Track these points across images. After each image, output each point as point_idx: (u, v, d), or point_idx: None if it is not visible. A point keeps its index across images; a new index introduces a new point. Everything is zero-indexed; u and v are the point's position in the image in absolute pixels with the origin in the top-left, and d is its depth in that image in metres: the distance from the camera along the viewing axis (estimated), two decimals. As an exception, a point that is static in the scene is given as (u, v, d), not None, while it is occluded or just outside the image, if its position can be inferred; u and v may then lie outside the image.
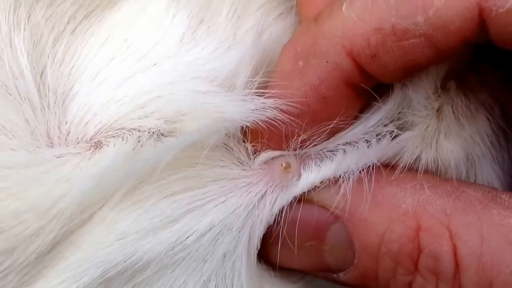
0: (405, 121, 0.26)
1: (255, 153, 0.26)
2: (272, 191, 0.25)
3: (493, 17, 0.21)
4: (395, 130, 0.26)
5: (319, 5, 0.26)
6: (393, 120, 0.26)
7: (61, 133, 0.24)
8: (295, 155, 0.26)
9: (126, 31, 0.25)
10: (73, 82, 0.24)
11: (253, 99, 0.24)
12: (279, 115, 0.24)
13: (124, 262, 0.23)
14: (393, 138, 0.26)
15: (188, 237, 0.24)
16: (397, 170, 0.26)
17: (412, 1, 0.22)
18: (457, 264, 0.23)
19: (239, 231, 0.25)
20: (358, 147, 0.26)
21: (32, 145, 0.23)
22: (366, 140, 0.26)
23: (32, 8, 0.24)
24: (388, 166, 0.26)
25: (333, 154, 0.26)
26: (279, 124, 0.25)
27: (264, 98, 0.24)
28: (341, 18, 0.23)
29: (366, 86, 0.25)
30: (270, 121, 0.25)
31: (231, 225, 0.25)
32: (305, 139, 0.25)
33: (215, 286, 0.25)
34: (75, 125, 0.24)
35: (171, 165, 0.24)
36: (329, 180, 0.26)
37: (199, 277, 0.25)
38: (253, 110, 0.24)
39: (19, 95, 0.23)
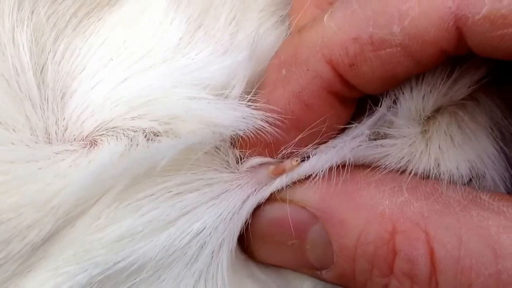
0: (388, 134, 0.27)
1: (242, 158, 0.27)
2: (256, 193, 0.26)
3: (470, 25, 0.21)
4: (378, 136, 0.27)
5: (309, 17, 0.26)
6: (374, 133, 0.27)
7: (58, 129, 0.25)
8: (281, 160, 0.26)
9: (125, 32, 0.26)
10: (71, 80, 0.25)
11: (241, 106, 0.25)
12: (266, 125, 0.25)
13: (120, 263, 0.24)
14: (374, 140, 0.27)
15: (182, 239, 0.25)
16: (377, 172, 0.26)
17: (389, 11, 0.22)
18: (433, 267, 0.24)
19: (224, 232, 0.26)
20: (336, 146, 0.26)
21: (31, 140, 0.24)
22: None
23: (35, 5, 0.25)
24: (369, 168, 0.27)
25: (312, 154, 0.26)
26: (265, 132, 0.25)
27: (252, 108, 0.25)
28: (322, 28, 0.24)
29: (351, 96, 0.25)
30: (257, 130, 0.25)
31: (218, 226, 0.26)
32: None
33: (205, 283, 0.26)
34: (73, 122, 0.25)
35: (165, 167, 0.24)
36: (309, 180, 0.26)
37: (191, 277, 0.26)
38: (243, 118, 0.25)
39: (20, 90, 0.24)
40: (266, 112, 0.25)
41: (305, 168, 0.26)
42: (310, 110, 0.25)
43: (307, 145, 0.26)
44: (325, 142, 0.26)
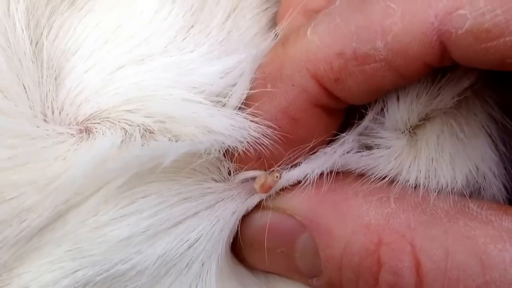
0: (376, 145, 0.26)
1: (235, 170, 0.27)
2: (247, 202, 0.27)
3: (454, 40, 0.21)
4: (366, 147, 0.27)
5: (296, 25, 0.26)
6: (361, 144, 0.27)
7: (55, 108, 0.25)
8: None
9: (121, 16, 0.26)
10: (66, 60, 0.25)
11: (238, 116, 0.25)
12: (261, 137, 0.25)
13: (117, 266, 0.24)
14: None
15: (179, 247, 0.25)
16: (366, 181, 0.26)
17: (372, 27, 0.22)
18: (420, 279, 0.23)
19: (217, 241, 0.26)
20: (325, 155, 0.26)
21: (32, 116, 0.24)
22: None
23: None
24: (358, 176, 0.26)
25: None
26: (257, 146, 0.26)
27: (250, 120, 0.25)
28: (306, 42, 0.24)
29: (338, 107, 0.25)
30: (252, 142, 0.25)
31: (212, 236, 0.26)
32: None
33: None
34: (69, 104, 0.25)
35: (164, 169, 0.24)
36: (298, 187, 0.26)
37: (185, 282, 0.26)
38: (239, 128, 0.25)
39: (18, 63, 0.24)
40: (261, 125, 0.25)
41: (295, 175, 0.26)
42: (297, 124, 0.25)
43: (297, 158, 0.26)
44: (314, 153, 0.26)
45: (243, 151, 0.26)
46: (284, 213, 0.26)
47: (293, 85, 0.25)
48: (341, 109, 0.26)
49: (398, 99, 0.26)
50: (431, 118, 0.26)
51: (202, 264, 0.26)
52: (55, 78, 0.25)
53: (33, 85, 0.25)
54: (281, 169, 0.26)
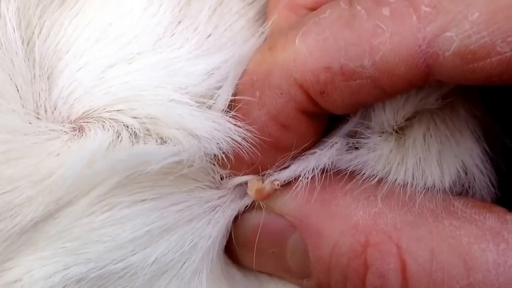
0: (362, 145, 0.27)
1: (228, 176, 0.27)
2: (238, 206, 0.27)
3: (441, 61, 0.22)
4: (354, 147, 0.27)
5: (284, 22, 0.27)
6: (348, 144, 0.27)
7: (48, 107, 0.25)
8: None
9: (111, 14, 0.26)
10: (58, 59, 0.25)
11: (223, 120, 0.25)
12: (246, 144, 0.25)
13: (111, 265, 0.24)
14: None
15: (175, 252, 0.26)
16: (355, 180, 0.26)
17: (361, 45, 0.23)
18: (406, 281, 0.24)
19: (210, 245, 0.27)
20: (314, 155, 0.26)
21: (24, 113, 0.24)
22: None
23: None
24: (346, 176, 0.27)
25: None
26: (246, 152, 0.26)
27: (233, 124, 0.26)
28: (294, 51, 0.24)
29: (324, 113, 0.26)
30: (239, 148, 0.26)
31: (206, 240, 0.26)
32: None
33: None
34: (62, 103, 0.25)
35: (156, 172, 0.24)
36: (288, 187, 0.26)
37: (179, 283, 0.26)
38: (224, 132, 0.25)
39: (9, 61, 0.24)
40: (244, 129, 0.25)
41: (285, 175, 0.26)
42: (287, 130, 0.26)
43: (287, 162, 0.27)
44: (304, 155, 0.27)
45: (234, 157, 0.26)
46: (275, 213, 0.27)
47: (281, 93, 0.25)
48: (327, 114, 0.27)
49: (383, 102, 0.26)
50: (418, 118, 0.27)
51: (195, 270, 0.26)
52: (48, 77, 0.26)
53: (25, 85, 0.25)
54: (272, 171, 0.27)
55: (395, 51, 0.22)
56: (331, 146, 0.27)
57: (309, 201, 0.26)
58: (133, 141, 0.25)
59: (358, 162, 0.27)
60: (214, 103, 0.26)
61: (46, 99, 0.25)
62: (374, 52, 0.23)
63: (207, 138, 0.25)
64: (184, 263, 0.26)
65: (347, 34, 0.23)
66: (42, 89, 0.25)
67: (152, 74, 0.25)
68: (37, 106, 0.25)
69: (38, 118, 0.25)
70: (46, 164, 0.24)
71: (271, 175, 0.27)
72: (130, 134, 0.25)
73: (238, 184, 0.27)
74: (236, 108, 0.26)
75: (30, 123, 0.24)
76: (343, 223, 0.25)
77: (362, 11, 0.23)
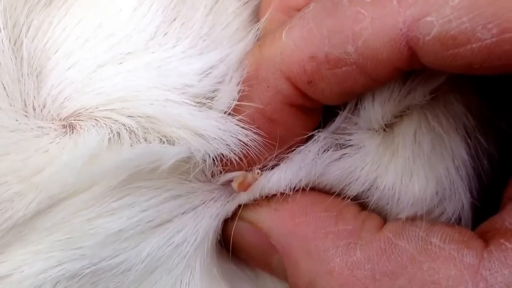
0: (350, 144, 0.27)
1: (219, 172, 0.27)
2: (228, 204, 0.28)
3: (421, 46, 0.22)
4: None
5: (276, 23, 0.27)
6: (334, 145, 0.27)
7: (36, 105, 0.25)
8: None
9: (101, 14, 0.26)
10: (47, 58, 0.25)
11: (223, 119, 0.26)
12: (246, 139, 0.26)
13: (106, 260, 0.24)
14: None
15: (168, 246, 0.26)
16: (340, 218, 0.26)
17: (343, 31, 0.23)
18: None
19: (202, 241, 0.27)
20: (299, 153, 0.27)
21: (11, 110, 0.24)
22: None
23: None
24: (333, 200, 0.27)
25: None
26: (241, 149, 0.26)
27: (235, 124, 0.26)
28: (281, 45, 0.25)
29: (314, 107, 0.26)
30: (238, 144, 0.26)
31: (198, 236, 0.27)
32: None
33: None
34: (51, 101, 0.25)
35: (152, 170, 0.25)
36: (273, 203, 0.27)
37: (171, 280, 0.26)
38: (224, 130, 0.26)
39: None
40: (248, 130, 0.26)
41: (274, 178, 0.27)
42: (275, 124, 0.26)
43: (276, 158, 0.27)
44: (292, 151, 0.27)
45: (223, 154, 0.26)
46: (262, 230, 0.27)
47: (268, 87, 0.25)
48: (318, 108, 0.27)
49: (372, 98, 0.26)
50: (409, 113, 0.27)
51: (187, 264, 0.26)
52: (37, 76, 0.26)
53: (13, 83, 0.25)
54: (260, 169, 0.27)
55: (376, 35, 0.23)
56: (316, 141, 0.27)
57: (291, 231, 0.26)
58: (134, 140, 0.25)
59: (345, 166, 0.27)
60: (213, 104, 0.26)
61: (34, 97, 0.25)
62: (356, 38, 0.23)
63: (214, 138, 0.26)
64: (176, 257, 0.26)
65: (330, 22, 0.24)
66: (30, 88, 0.25)
67: (144, 74, 0.26)
68: (25, 104, 0.25)
69: (26, 116, 0.25)
70: (34, 160, 0.24)
71: (260, 170, 0.27)
72: (129, 132, 0.25)
73: (227, 181, 0.27)
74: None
75: (17, 121, 0.24)
76: (320, 266, 0.25)
77: (344, 0, 0.24)
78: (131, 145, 0.25)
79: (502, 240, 0.23)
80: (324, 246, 0.25)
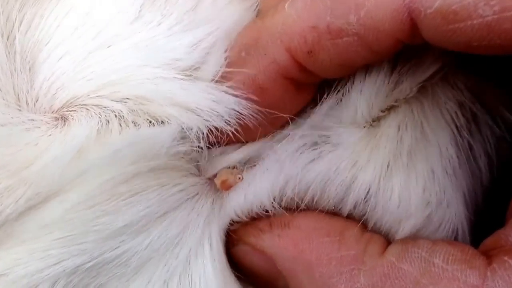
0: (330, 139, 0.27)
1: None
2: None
3: (423, 18, 0.22)
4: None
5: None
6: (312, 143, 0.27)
7: (29, 99, 0.25)
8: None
9: (89, 2, 0.26)
10: (39, 51, 0.25)
11: (214, 90, 0.25)
12: (240, 108, 0.25)
13: (106, 254, 0.24)
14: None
15: (168, 236, 0.25)
16: (342, 244, 0.26)
17: (346, 2, 0.23)
18: None
19: (202, 232, 0.26)
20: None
21: (3, 105, 0.24)
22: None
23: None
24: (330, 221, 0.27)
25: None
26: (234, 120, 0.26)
27: (228, 93, 0.25)
28: (283, 15, 0.25)
29: (308, 82, 0.26)
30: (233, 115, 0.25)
31: (197, 226, 0.26)
32: None
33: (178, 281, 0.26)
34: (43, 94, 0.25)
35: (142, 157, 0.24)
36: (277, 228, 0.27)
37: (166, 272, 0.26)
38: (217, 102, 0.25)
39: None
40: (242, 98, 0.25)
41: (256, 177, 0.27)
42: (264, 93, 0.26)
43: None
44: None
45: (217, 127, 0.26)
46: (268, 255, 0.27)
47: (265, 54, 0.25)
48: (311, 86, 0.27)
49: (360, 92, 0.26)
50: (395, 108, 0.27)
51: (189, 253, 0.26)
52: (29, 69, 0.25)
53: (5, 77, 0.25)
54: (243, 168, 0.27)
55: (379, 6, 0.23)
56: (292, 139, 0.27)
57: (295, 256, 0.26)
58: (123, 127, 0.25)
59: (325, 165, 0.26)
60: (202, 74, 0.26)
61: (28, 91, 0.25)
62: (358, 8, 0.23)
63: (207, 111, 0.25)
64: (174, 249, 0.26)
65: None
66: (24, 82, 0.25)
67: (133, 55, 0.25)
68: (18, 98, 0.25)
69: (19, 110, 0.25)
70: (23, 154, 0.23)
71: (242, 173, 0.27)
72: (119, 119, 0.25)
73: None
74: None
75: (9, 115, 0.24)
76: None
77: None
78: (120, 133, 0.24)
79: (506, 258, 0.23)
80: (328, 273, 0.25)
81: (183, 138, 0.25)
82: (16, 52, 0.25)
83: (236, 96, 0.25)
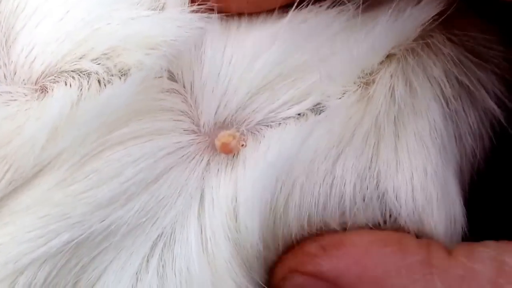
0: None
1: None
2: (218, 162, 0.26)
3: None
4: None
5: None
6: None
7: (7, 73, 0.24)
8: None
9: None
10: (15, 20, 0.24)
11: (180, 14, 0.24)
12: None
13: (94, 226, 0.23)
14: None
15: (154, 204, 0.25)
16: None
17: None
18: None
19: (192, 193, 0.25)
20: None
21: None
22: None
23: None
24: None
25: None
26: None
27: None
28: None
29: None
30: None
31: (186, 189, 0.25)
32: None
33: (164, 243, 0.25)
34: (21, 65, 0.24)
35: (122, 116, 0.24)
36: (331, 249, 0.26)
37: (151, 239, 0.25)
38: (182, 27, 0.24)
39: None
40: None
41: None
42: None
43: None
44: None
45: None
46: (330, 280, 0.25)
47: None
48: None
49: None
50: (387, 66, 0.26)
51: (176, 221, 0.25)
52: (6, 42, 0.24)
53: None
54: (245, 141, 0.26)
55: None
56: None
57: (361, 276, 0.25)
58: (102, 88, 0.23)
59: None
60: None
61: (5, 64, 0.24)
62: None
63: (168, 40, 0.23)
64: (165, 214, 0.25)
65: None
66: (1, 56, 0.24)
67: (102, 2, 0.24)
68: None
69: None
70: (1, 129, 0.22)
71: (246, 140, 0.26)
72: (97, 82, 0.23)
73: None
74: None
75: None
76: None
77: None
78: (99, 96, 0.23)
79: None
80: (400, 283, 0.24)
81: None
82: None
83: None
